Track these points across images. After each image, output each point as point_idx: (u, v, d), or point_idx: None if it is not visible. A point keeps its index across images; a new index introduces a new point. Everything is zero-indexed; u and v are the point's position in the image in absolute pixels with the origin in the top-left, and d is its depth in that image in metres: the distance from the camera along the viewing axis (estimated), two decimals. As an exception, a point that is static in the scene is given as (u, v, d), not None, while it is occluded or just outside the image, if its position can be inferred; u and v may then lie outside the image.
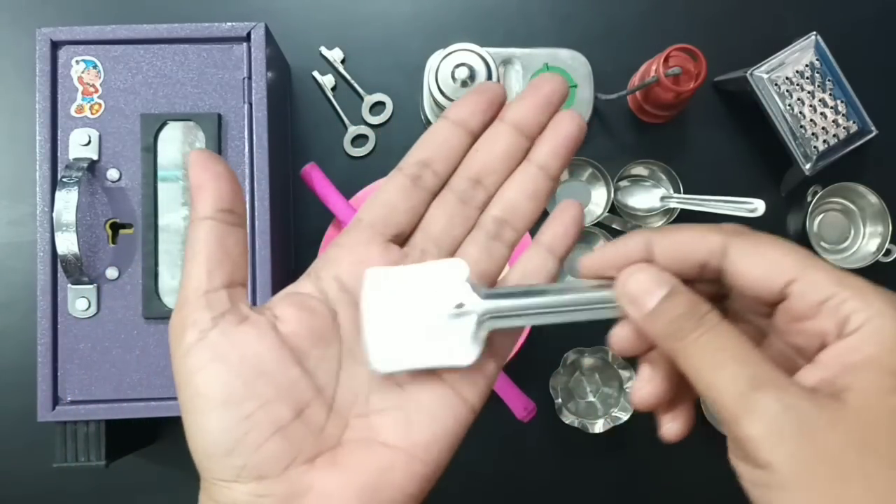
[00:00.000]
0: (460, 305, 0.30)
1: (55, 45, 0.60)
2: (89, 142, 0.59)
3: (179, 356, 0.29)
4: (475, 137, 0.33)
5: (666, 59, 0.67)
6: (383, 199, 0.33)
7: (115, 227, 0.60)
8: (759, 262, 0.27)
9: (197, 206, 0.30)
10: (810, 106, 0.69)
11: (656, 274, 0.28)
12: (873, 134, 0.69)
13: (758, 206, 0.68)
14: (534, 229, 0.35)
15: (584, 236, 0.73)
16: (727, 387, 0.25)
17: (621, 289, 0.29)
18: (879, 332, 0.25)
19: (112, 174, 0.59)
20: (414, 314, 0.30)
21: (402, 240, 0.33)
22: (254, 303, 0.58)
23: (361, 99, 0.74)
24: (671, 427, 0.30)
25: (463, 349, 0.30)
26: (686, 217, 0.73)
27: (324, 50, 0.74)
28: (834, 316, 0.26)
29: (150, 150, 0.59)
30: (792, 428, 0.24)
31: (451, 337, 0.30)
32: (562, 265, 0.34)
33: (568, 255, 0.34)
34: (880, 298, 0.26)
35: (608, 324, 0.31)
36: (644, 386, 0.30)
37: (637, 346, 0.30)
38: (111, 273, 0.59)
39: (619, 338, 0.30)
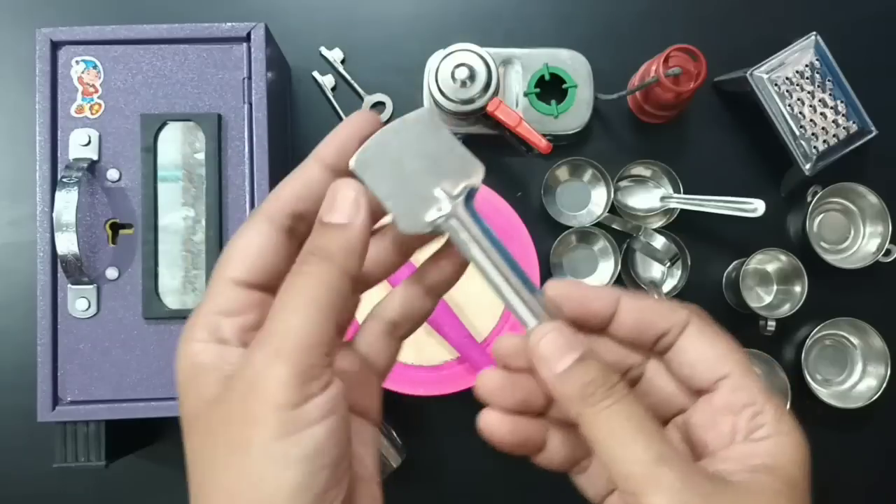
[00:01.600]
0: (447, 192, 0.31)
1: (55, 45, 0.60)
2: (89, 142, 0.59)
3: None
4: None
5: (666, 59, 0.67)
6: (254, 251, 0.29)
7: (115, 227, 0.60)
8: (708, 351, 0.30)
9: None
10: (810, 106, 0.69)
11: (570, 336, 0.29)
12: (873, 134, 0.69)
13: (758, 206, 0.68)
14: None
15: (585, 236, 0.73)
16: (633, 459, 0.27)
17: (534, 345, 0.29)
18: (783, 447, 0.28)
19: (112, 174, 0.59)
20: (417, 163, 0.31)
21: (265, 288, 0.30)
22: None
23: (361, 99, 0.74)
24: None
25: (413, 220, 0.31)
26: (686, 217, 0.73)
27: (324, 50, 0.74)
28: (751, 420, 0.29)
29: (150, 150, 0.59)
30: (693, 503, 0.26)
31: (420, 204, 0.31)
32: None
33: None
34: (790, 422, 0.29)
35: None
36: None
37: (507, 398, 0.31)
38: (111, 273, 0.59)
39: (489, 389, 0.32)
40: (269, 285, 0.29)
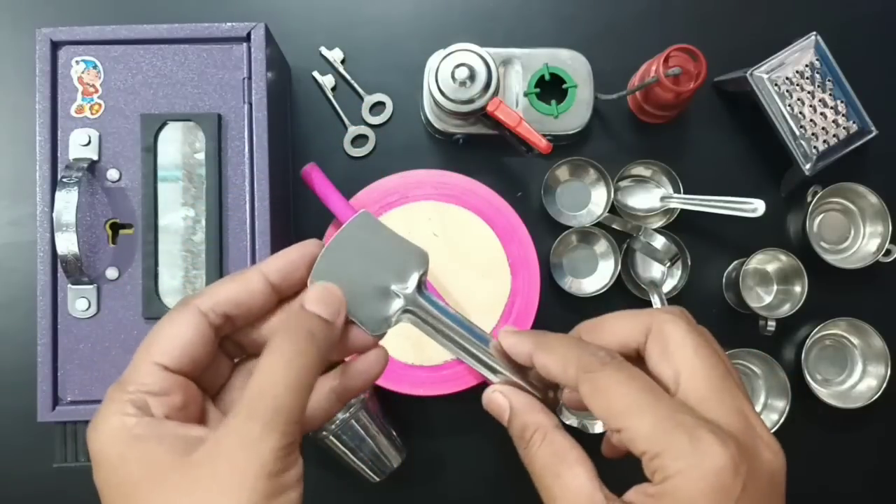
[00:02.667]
0: (400, 286, 0.35)
1: (55, 45, 0.60)
2: (89, 142, 0.59)
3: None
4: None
5: (666, 59, 0.67)
6: (183, 341, 0.32)
7: (115, 227, 0.60)
8: (600, 404, 0.32)
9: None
10: (810, 106, 0.69)
11: (502, 399, 0.36)
12: (873, 134, 0.69)
13: (758, 206, 0.68)
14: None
15: (585, 236, 0.73)
16: (568, 484, 0.32)
17: (487, 404, 0.37)
18: (675, 491, 0.30)
19: (112, 174, 0.59)
20: (368, 265, 0.35)
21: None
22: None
23: (361, 99, 0.74)
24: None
25: (377, 320, 0.35)
26: (686, 217, 0.73)
27: (324, 50, 0.74)
28: (647, 466, 0.31)
29: (150, 150, 0.59)
30: None
31: (379, 303, 0.35)
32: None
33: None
34: (686, 459, 0.29)
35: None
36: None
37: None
38: (111, 273, 0.59)
39: None
40: (191, 373, 0.31)
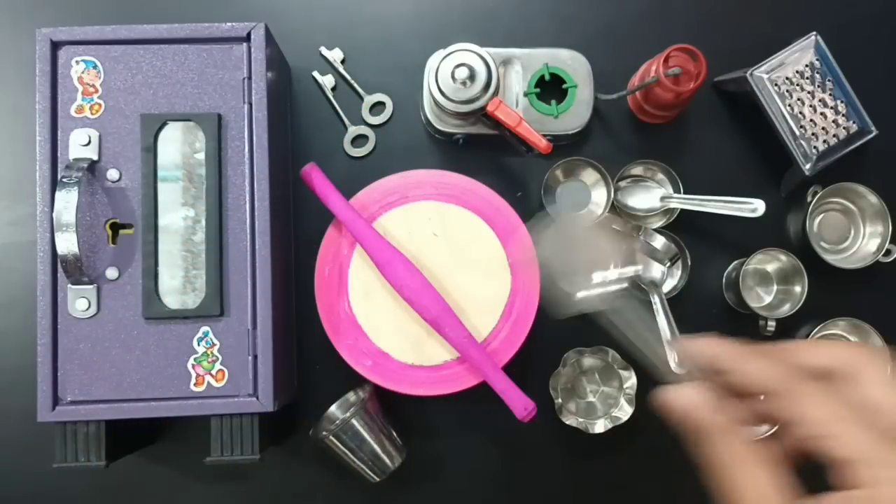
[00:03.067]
0: (647, 276, 0.42)
1: (55, 46, 0.60)
2: (89, 142, 0.59)
3: None
4: None
5: (666, 59, 0.67)
6: None
7: (115, 227, 0.60)
8: (803, 410, 0.33)
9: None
10: (810, 106, 0.69)
11: (686, 396, 0.37)
12: (873, 134, 0.69)
13: (758, 207, 0.68)
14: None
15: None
16: (751, 484, 0.33)
17: (668, 401, 0.38)
18: (884, 500, 0.31)
19: (112, 174, 0.59)
20: (587, 255, 0.44)
21: None
22: (254, 297, 0.58)
23: (361, 99, 0.74)
24: None
25: (599, 299, 0.41)
26: (686, 217, 0.73)
27: (324, 50, 0.74)
28: (847, 473, 0.31)
29: (150, 150, 0.59)
30: None
31: (599, 286, 0.43)
32: None
33: None
34: (875, 472, 0.31)
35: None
36: None
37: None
38: (111, 273, 0.59)
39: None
40: None
